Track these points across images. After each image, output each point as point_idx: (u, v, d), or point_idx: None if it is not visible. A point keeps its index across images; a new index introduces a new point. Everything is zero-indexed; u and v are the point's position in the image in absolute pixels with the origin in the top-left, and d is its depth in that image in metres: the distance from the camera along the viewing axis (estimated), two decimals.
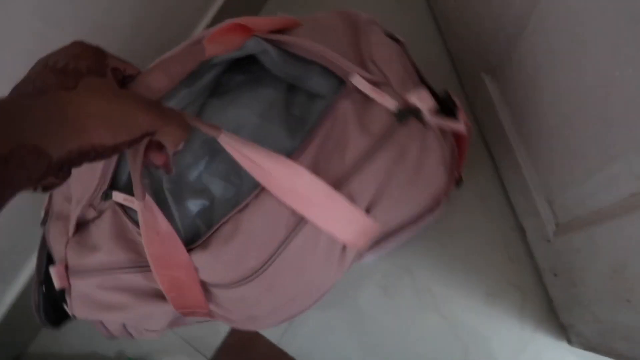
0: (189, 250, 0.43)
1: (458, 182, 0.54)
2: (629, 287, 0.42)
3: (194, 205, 0.46)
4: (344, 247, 0.43)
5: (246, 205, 0.42)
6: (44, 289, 0.50)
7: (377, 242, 0.48)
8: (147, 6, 0.63)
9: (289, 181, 0.39)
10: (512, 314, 0.67)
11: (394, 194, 0.42)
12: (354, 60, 0.45)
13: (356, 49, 0.47)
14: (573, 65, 0.40)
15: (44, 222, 0.51)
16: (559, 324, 0.63)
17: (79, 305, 0.47)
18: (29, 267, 0.69)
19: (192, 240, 0.44)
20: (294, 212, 0.41)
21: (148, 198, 0.41)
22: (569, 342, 0.62)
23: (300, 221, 0.41)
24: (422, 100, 0.43)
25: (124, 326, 0.51)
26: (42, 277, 0.50)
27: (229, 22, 0.44)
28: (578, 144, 0.43)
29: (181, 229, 0.45)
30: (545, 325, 0.66)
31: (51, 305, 0.51)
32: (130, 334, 0.52)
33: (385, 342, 0.69)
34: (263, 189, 0.42)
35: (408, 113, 0.42)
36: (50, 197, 0.52)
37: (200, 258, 0.43)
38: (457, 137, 0.48)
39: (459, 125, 0.44)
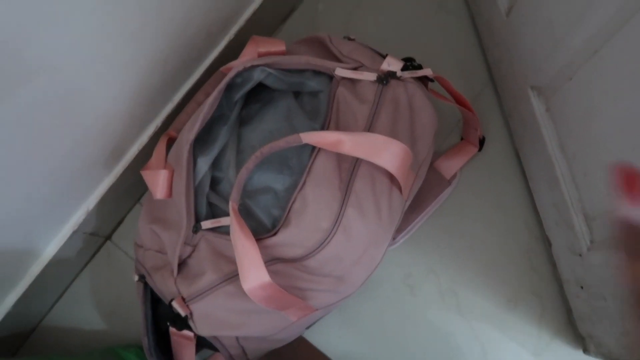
0: (276, 233, 0.52)
1: (482, 141, 0.75)
2: None
3: (266, 200, 0.56)
4: (391, 187, 0.55)
5: (304, 183, 0.53)
6: (152, 338, 0.62)
7: (407, 214, 0.66)
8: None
9: (351, 140, 0.50)
10: (531, 321, 0.70)
11: (405, 132, 0.57)
12: (332, 60, 0.61)
13: (329, 52, 0.63)
14: None
15: (141, 280, 0.62)
16: (577, 334, 0.67)
17: (201, 325, 0.56)
18: (55, 242, 0.68)
19: (274, 225, 0.54)
20: (343, 169, 0.53)
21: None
22: (586, 351, 0.65)
23: (352, 171, 0.53)
24: (391, 65, 0.59)
25: (237, 339, 0.59)
26: (150, 327, 0.62)
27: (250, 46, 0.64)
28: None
29: (264, 220, 0.55)
30: (562, 334, 0.69)
31: (160, 349, 0.62)
32: (244, 352, 0.61)
33: (408, 338, 0.71)
34: (312, 166, 0.53)
35: (386, 76, 0.58)
36: (137, 262, 0.64)
37: (285, 234, 0.52)
38: (459, 101, 0.66)
39: (426, 71, 0.60)
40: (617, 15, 0.44)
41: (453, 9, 0.83)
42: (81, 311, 0.76)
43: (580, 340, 0.66)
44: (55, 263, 0.69)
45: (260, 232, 0.54)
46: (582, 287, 0.62)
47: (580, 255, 0.60)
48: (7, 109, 0.46)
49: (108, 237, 0.79)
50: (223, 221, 0.56)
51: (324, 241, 0.53)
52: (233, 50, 0.74)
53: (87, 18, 0.47)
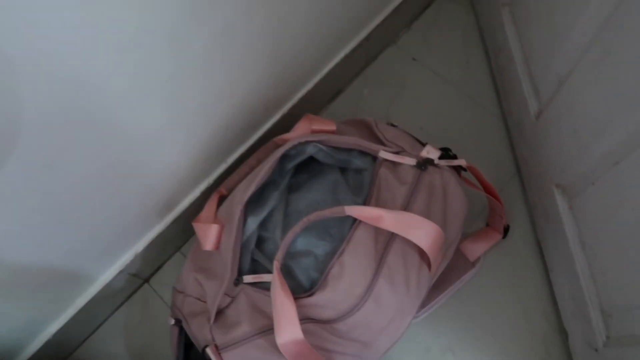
0: (312, 294, 0.57)
1: (506, 229, 0.79)
2: None
3: (306, 263, 0.60)
4: (421, 264, 0.59)
5: (343, 250, 0.58)
6: None
7: (431, 291, 0.67)
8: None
9: (391, 217, 0.56)
10: None
11: (438, 215, 0.61)
12: (376, 143, 0.67)
13: (374, 136, 0.69)
14: None
15: (177, 325, 0.67)
16: None
17: None
18: (102, 279, 0.73)
19: (312, 287, 0.59)
20: (379, 242, 0.58)
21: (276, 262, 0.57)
22: None
23: (387, 245, 0.58)
24: (430, 153, 0.65)
25: None
26: None
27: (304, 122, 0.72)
28: None
29: (302, 280, 0.60)
30: None
31: None
32: None
33: None
34: (352, 236, 0.58)
35: (425, 163, 0.63)
36: (175, 307, 0.69)
37: (321, 296, 0.56)
38: (487, 190, 0.72)
39: (461, 161, 0.66)
40: (637, 133, 0.51)
41: (487, 106, 0.90)
42: (111, 348, 0.80)
43: None
44: (99, 298, 0.74)
45: (298, 291, 0.59)
46: None
47: (596, 350, 0.63)
48: (91, 169, 0.54)
49: (147, 280, 0.84)
50: (264, 277, 0.61)
51: (356, 306, 0.57)
52: (285, 123, 0.82)
53: (177, 91, 0.56)
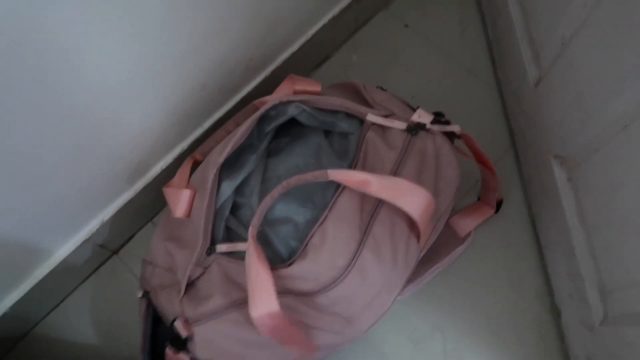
0: (291, 264, 0.52)
1: (499, 204, 0.74)
2: None
3: (285, 231, 0.56)
4: (410, 235, 0.55)
5: (325, 218, 0.53)
6: (147, 358, 0.61)
7: (418, 267, 0.62)
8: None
9: (378, 182, 0.51)
10: None
11: (429, 183, 0.57)
12: (364, 105, 0.62)
13: (361, 98, 0.65)
14: None
15: (145, 297, 0.62)
16: None
17: (201, 350, 0.54)
18: (66, 248, 0.68)
19: (291, 257, 0.54)
20: (364, 211, 0.53)
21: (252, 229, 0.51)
22: None
23: (373, 213, 0.53)
24: (422, 117, 0.61)
25: None
26: (147, 346, 0.62)
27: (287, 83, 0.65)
28: None
29: (281, 250, 0.55)
30: None
31: None
32: None
33: None
34: (335, 203, 0.53)
35: (416, 127, 0.59)
36: (144, 279, 0.64)
37: (300, 266, 0.52)
38: (481, 160, 0.67)
39: (454, 127, 0.62)
40: None
41: (482, 76, 0.86)
42: (76, 323, 0.74)
43: None
44: (62, 269, 0.68)
45: (276, 262, 0.54)
46: None
47: (591, 329, 0.59)
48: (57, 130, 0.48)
49: (115, 252, 0.78)
50: (239, 246, 0.56)
51: (338, 279, 0.52)
52: (267, 87, 0.77)
53: (145, 39, 0.50)
